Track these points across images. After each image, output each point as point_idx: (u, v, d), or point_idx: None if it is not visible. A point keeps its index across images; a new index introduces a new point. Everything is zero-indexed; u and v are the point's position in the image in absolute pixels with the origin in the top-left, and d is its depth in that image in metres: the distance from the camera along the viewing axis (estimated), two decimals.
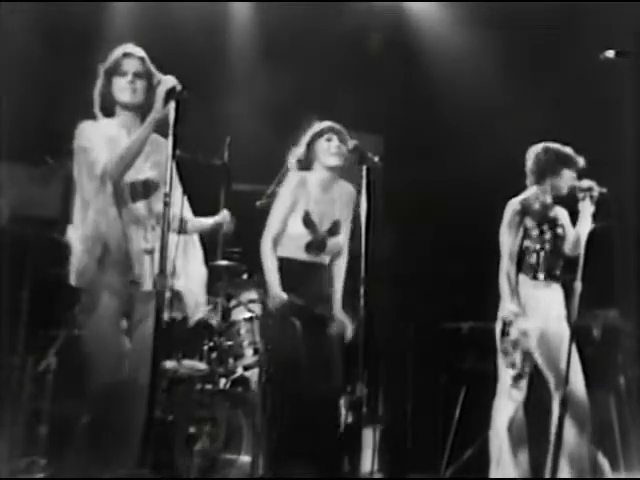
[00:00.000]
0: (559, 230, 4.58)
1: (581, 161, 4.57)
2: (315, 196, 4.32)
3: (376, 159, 4.02)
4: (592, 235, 4.24)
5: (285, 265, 4.26)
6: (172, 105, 3.29)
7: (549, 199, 4.60)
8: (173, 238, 3.39)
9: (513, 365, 4.34)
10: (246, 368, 4.95)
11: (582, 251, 4.14)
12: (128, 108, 3.59)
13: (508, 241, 4.50)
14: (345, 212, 4.40)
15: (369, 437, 5.32)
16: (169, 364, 4.64)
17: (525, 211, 4.52)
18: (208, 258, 5.08)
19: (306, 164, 4.38)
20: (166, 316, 3.32)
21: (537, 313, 4.43)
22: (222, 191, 5.46)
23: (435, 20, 6.87)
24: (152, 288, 3.47)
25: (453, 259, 6.21)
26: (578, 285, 4.01)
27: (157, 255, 3.42)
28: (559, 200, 4.63)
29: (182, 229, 3.56)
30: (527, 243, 4.51)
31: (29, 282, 5.09)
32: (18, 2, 5.71)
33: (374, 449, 5.30)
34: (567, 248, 4.56)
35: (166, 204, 3.21)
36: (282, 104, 6.11)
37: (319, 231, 4.30)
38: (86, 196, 3.46)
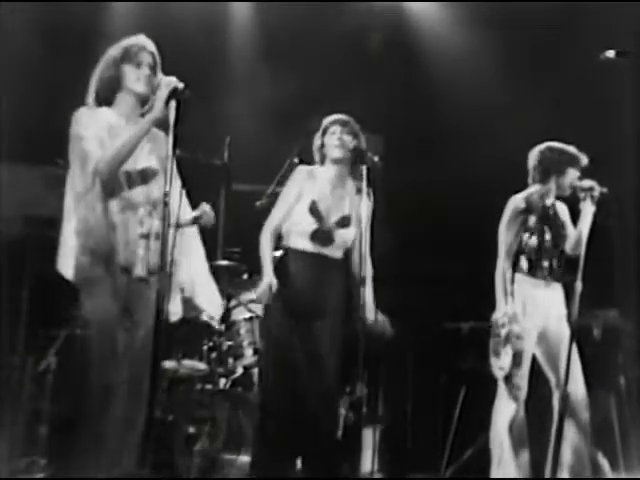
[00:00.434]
0: (560, 229, 4.56)
1: (584, 160, 4.54)
2: (323, 190, 4.22)
3: (376, 159, 4.02)
4: (593, 235, 4.23)
5: (290, 255, 4.17)
6: (173, 104, 3.29)
7: (552, 198, 4.58)
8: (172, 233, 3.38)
9: (501, 368, 4.34)
10: (246, 368, 4.95)
11: (583, 251, 4.12)
12: (135, 98, 3.55)
13: (508, 238, 4.48)
14: (356, 210, 4.26)
15: (369, 437, 5.32)
16: (169, 364, 4.64)
17: (529, 209, 4.50)
18: (209, 258, 5.11)
19: (322, 158, 4.32)
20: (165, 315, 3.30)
21: (537, 312, 4.42)
22: (222, 191, 5.47)
23: (435, 20, 6.87)
24: (145, 274, 3.45)
25: (453, 259, 6.20)
26: (579, 285, 4.01)
27: (152, 241, 3.45)
28: (561, 199, 4.62)
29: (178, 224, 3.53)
30: (528, 241, 4.49)
31: (29, 282, 5.09)
32: (18, 2, 5.71)
33: (374, 449, 5.30)
34: (568, 247, 4.55)
35: (166, 204, 3.21)
36: (282, 104, 6.11)
37: (325, 221, 4.18)
38: (77, 187, 3.44)
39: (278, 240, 4.23)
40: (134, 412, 3.34)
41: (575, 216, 4.53)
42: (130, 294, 3.45)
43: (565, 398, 4.01)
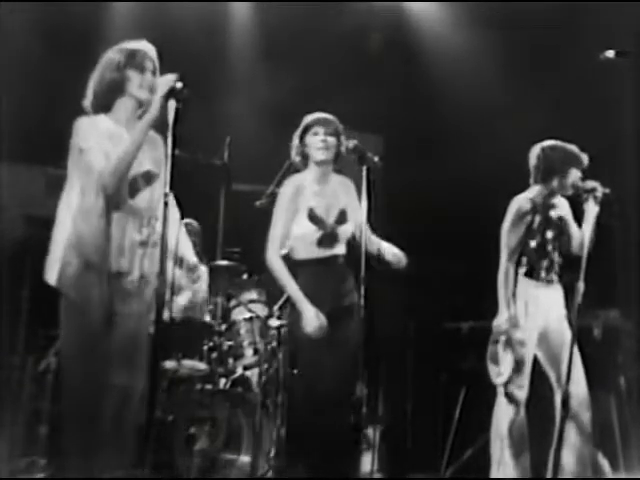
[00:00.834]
0: (563, 229, 4.53)
1: (585, 159, 4.50)
2: (315, 191, 4.21)
3: (376, 159, 4.01)
4: (595, 235, 4.21)
5: (300, 268, 4.14)
6: (172, 104, 3.25)
7: (555, 198, 4.54)
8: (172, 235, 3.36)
9: (500, 374, 4.33)
10: (246, 368, 4.95)
11: (585, 252, 4.09)
12: (135, 104, 3.49)
13: (511, 240, 4.42)
14: (348, 200, 4.27)
15: (369, 437, 5.32)
16: (169, 364, 4.64)
17: (533, 209, 4.44)
18: (208, 258, 5.11)
19: (304, 159, 4.30)
20: (166, 315, 3.29)
21: (538, 313, 4.41)
22: (222, 191, 5.47)
23: (435, 20, 6.87)
24: (139, 280, 3.41)
25: (453, 259, 6.20)
26: (581, 285, 3.98)
27: (150, 249, 3.41)
28: (564, 197, 4.60)
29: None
30: (530, 242, 4.46)
31: (29, 282, 5.09)
32: (18, 2, 5.71)
33: (374, 449, 5.30)
34: (572, 247, 4.52)
35: (166, 204, 3.20)
36: (282, 104, 6.11)
37: (327, 224, 4.18)
38: (73, 199, 3.37)
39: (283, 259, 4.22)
40: (130, 412, 3.33)
41: (578, 216, 4.50)
42: (119, 294, 3.40)
43: (566, 399, 4.00)
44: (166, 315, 3.28)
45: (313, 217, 4.15)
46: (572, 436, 4.27)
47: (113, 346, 3.36)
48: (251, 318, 4.92)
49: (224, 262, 5.14)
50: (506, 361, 4.31)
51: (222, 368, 4.85)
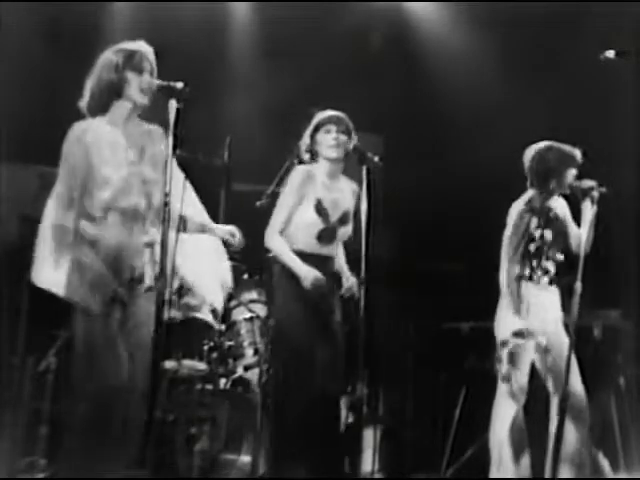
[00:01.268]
0: (561, 229, 4.53)
1: (579, 155, 4.47)
2: (325, 184, 4.24)
3: (376, 159, 4.01)
4: (594, 235, 4.20)
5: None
6: (173, 104, 3.24)
7: (553, 200, 4.53)
8: (173, 235, 3.36)
9: (506, 379, 4.31)
10: (246, 368, 4.94)
11: (583, 252, 4.09)
12: (132, 106, 3.47)
13: (512, 246, 4.39)
14: (352, 204, 4.31)
15: (369, 437, 5.31)
16: (169, 364, 4.64)
17: (533, 213, 4.42)
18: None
19: (312, 156, 4.31)
20: (166, 316, 3.29)
21: (537, 315, 4.41)
22: (222, 191, 5.47)
23: (435, 20, 6.87)
24: (152, 283, 3.41)
25: (453, 259, 6.21)
26: (578, 286, 3.98)
27: (157, 249, 3.38)
28: (561, 196, 4.59)
29: (181, 227, 3.44)
30: (530, 245, 4.44)
31: (29, 282, 5.08)
32: (18, 2, 5.71)
33: (374, 449, 5.29)
34: (571, 247, 4.51)
35: (166, 204, 3.20)
36: (282, 104, 6.11)
37: (331, 219, 4.22)
38: (65, 201, 3.38)
39: None
40: (132, 415, 3.33)
41: (575, 215, 4.50)
42: (131, 298, 3.42)
43: (565, 399, 4.00)
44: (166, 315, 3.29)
45: (320, 209, 4.18)
46: (571, 436, 4.27)
47: (122, 347, 3.37)
48: (251, 318, 4.92)
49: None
50: (515, 369, 4.28)
51: (222, 368, 4.85)
